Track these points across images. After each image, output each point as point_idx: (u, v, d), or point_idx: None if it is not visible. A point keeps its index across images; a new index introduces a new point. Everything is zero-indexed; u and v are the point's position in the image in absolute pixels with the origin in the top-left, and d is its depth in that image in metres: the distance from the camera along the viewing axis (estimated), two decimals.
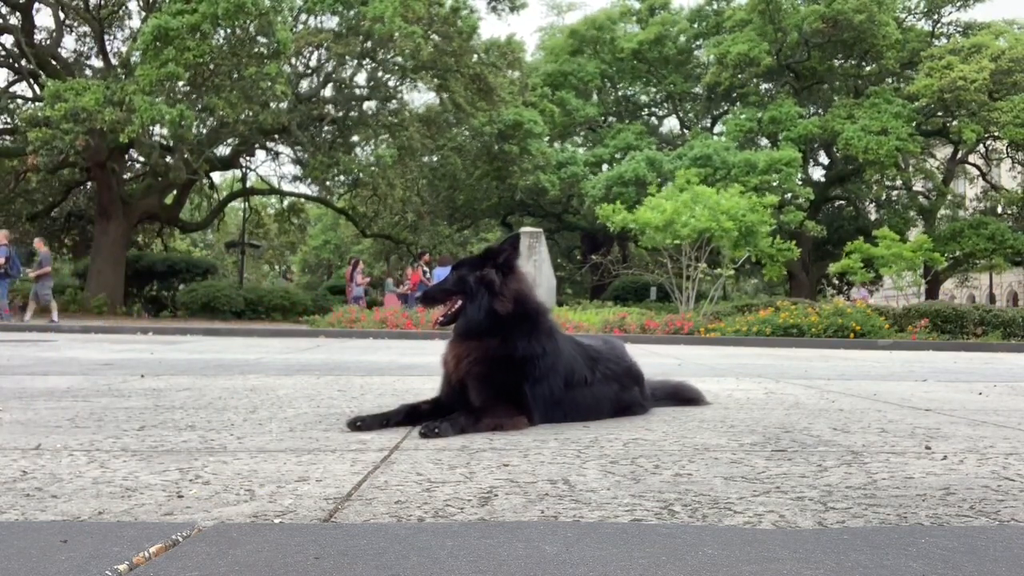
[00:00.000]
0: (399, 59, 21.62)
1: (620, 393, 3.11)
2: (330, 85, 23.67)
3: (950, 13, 31.11)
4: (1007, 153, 31.33)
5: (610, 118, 35.18)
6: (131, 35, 23.45)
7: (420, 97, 26.06)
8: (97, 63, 23.59)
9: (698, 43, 34.21)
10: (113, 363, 6.04)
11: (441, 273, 19.28)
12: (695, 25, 34.06)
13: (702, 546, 1.37)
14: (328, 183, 24.44)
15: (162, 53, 16.66)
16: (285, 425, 2.81)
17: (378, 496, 1.75)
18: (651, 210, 16.78)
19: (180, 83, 17.88)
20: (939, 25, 31.69)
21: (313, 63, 23.64)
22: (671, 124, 37.25)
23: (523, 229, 21.24)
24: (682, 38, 33.57)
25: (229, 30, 17.69)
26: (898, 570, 1.26)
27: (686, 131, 34.34)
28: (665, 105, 36.37)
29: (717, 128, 34.02)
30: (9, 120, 23.55)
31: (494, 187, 29.38)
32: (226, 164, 25.13)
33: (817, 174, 33.14)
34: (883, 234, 20.72)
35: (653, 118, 36.72)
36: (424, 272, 21.13)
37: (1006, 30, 28.83)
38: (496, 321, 2.78)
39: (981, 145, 30.54)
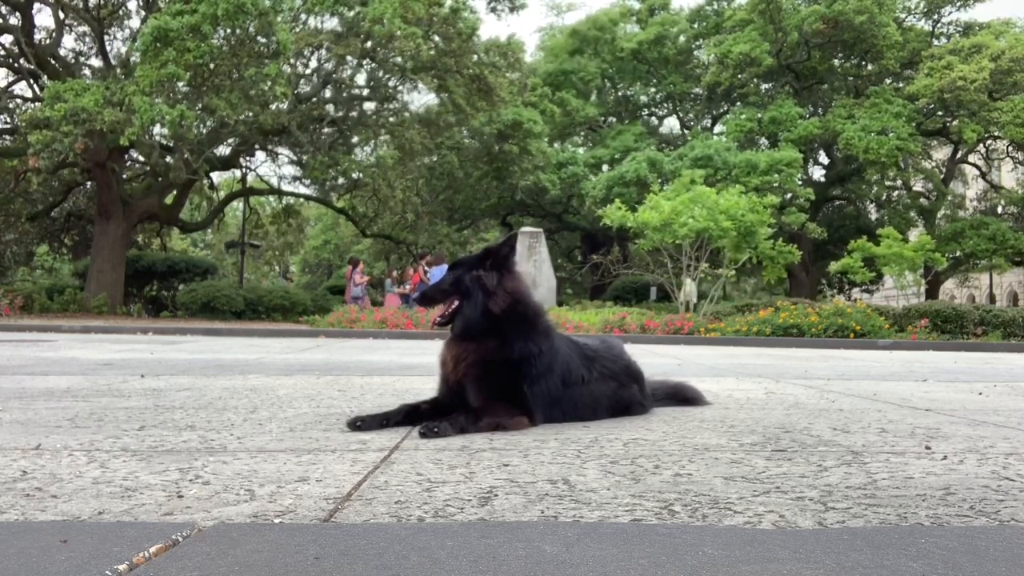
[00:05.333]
0: (399, 60, 21.62)
1: (618, 391, 3.11)
2: (330, 85, 23.67)
3: (950, 13, 31.13)
4: (1007, 153, 31.35)
5: (610, 118, 35.19)
6: (131, 35, 23.44)
7: (420, 98, 26.09)
8: (97, 63, 23.59)
9: (698, 43, 34.21)
10: (113, 363, 6.04)
11: (437, 273, 19.35)
12: (695, 25, 34.07)
13: (702, 546, 1.37)
14: (328, 183, 24.44)
15: (162, 54, 16.65)
16: (285, 425, 2.81)
17: (378, 496, 1.75)
18: (650, 210, 16.79)
19: (180, 84, 17.87)
20: (939, 25, 31.69)
21: (313, 64, 23.64)
22: (671, 124, 37.28)
23: (523, 229, 21.25)
24: (682, 38, 33.58)
25: (229, 30, 17.68)
26: (898, 570, 1.26)
27: (686, 131, 34.35)
28: (665, 105, 36.38)
29: (717, 128, 34.02)
30: (9, 120, 23.55)
31: (494, 187, 29.39)
32: (226, 164, 25.12)
33: (817, 174, 33.16)
34: (886, 233, 20.71)
35: (653, 118, 36.73)
36: (424, 272, 21.17)
37: (1006, 30, 28.83)
38: (492, 321, 2.78)
39: (981, 145, 30.55)
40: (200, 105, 18.82)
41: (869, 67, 31.21)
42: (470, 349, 2.80)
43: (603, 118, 34.75)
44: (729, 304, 18.51)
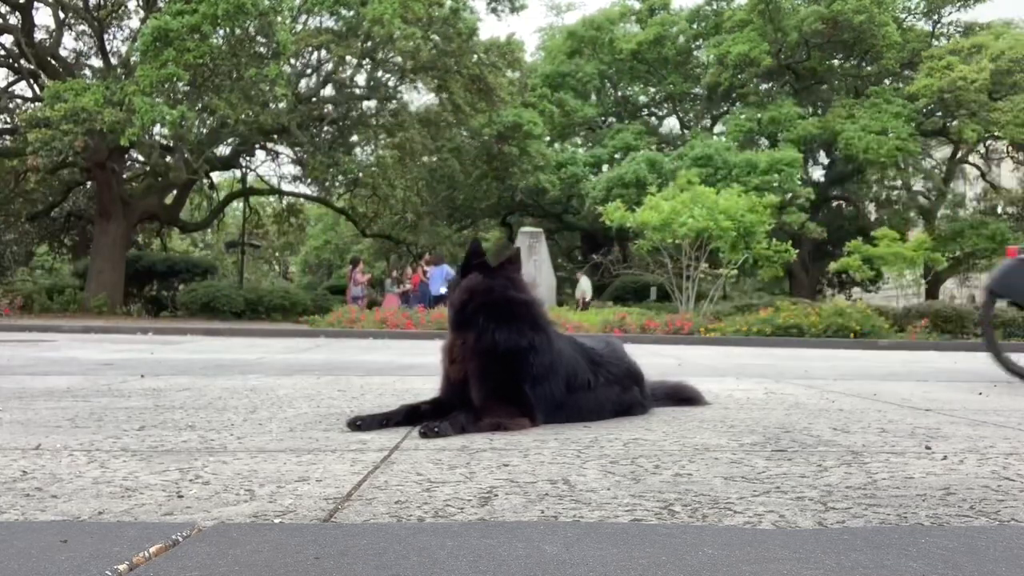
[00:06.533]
0: (398, 59, 21.62)
1: (621, 395, 3.11)
2: (330, 85, 23.67)
3: (950, 13, 31.13)
4: (1007, 153, 31.34)
5: (610, 118, 35.18)
6: (131, 35, 23.44)
7: (420, 98, 26.09)
8: (97, 63, 23.60)
9: (698, 43, 34.20)
10: (113, 363, 6.04)
11: (436, 273, 19.43)
12: (694, 25, 34.06)
13: (702, 546, 1.37)
14: (328, 183, 24.46)
15: (162, 54, 16.66)
16: (285, 425, 2.81)
17: (378, 496, 1.75)
18: (649, 210, 16.79)
19: (180, 84, 17.87)
20: (939, 25, 31.70)
21: (313, 63, 23.64)
22: (671, 124, 37.27)
23: (523, 229, 21.26)
24: (681, 38, 33.57)
25: (229, 30, 17.69)
26: (898, 570, 1.26)
27: (686, 131, 34.34)
28: (665, 105, 36.37)
29: (717, 128, 34.01)
30: (9, 120, 23.55)
31: (494, 187, 29.39)
32: (226, 164, 25.13)
33: (817, 174, 33.15)
34: (882, 234, 20.74)
35: (653, 118, 36.72)
36: (424, 273, 21.19)
37: (1006, 31, 28.83)
38: (460, 312, 2.81)
39: (981, 145, 30.55)
40: (200, 105, 18.83)
41: (869, 67, 31.20)
42: (459, 342, 2.81)
43: (603, 118, 34.73)
44: (729, 304, 18.52)
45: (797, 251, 19.28)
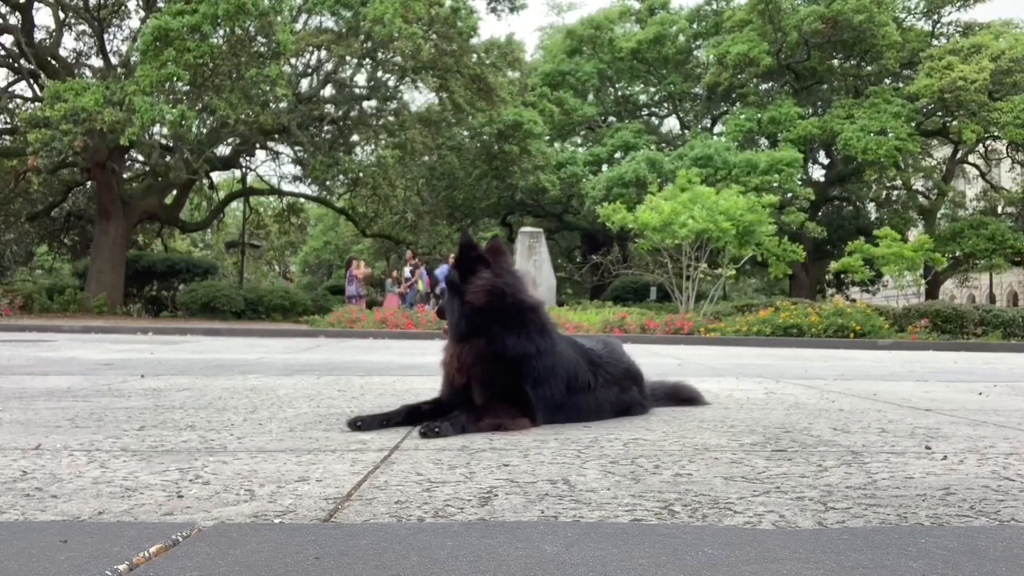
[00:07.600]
0: (399, 59, 21.61)
1: (620, 395, 3.11)
2: (330, 85, 23.67)
3: (950, 13, 31.11)
4: (1007, 153, 31.33)
5: (610, 118, 35.18)
6: (131, 35, 23.44)
7: (420, 97, 26.07)
8: (97, 63, 23.60)
9: (697, 43, 34.19)
10: (113, 363, 6.04)
11: (439, 272, 19.48)
12: (694, 25, 34.04)
13: (702, 546, 1.37)
14: (328, 183, 24.45)
15: (162, 54, 16.66)
16: (285, 425, 2.81)
17: (378, 496, 1.75)
18: (650, 210, 16.78)
19: (180, 84, 17.87)
20: (939, 25, 31.67)
21: (313, 63, 23.65)
22: (671, 124, 37.27)
23: (523, 229, 21.25)
24: (681, 38, 33.56)
25: (229, 30, 17.69)
26: (898, 570, 1.26)
27: (686, 131, 34.33)
28: (665, 105, 36.36)
29: (717, 128, 33.99)
30: (9, 120, 23.54)
31: (494, 187, 29.39)
32: (226, 164, 25.11)
33: (817, 174, 33.13)
34: (884, 233, 20.73)
35: (653, 118, 36.71)
36: (410, 271, 21.25)
37: (1006, 30, 28.80)
38: (473, 319, 2.77)
39: (981, 145, 30.54)
40: (200, 105, 18.82)
41: (868, 67, 31.18)
42: (464, 349, 2.80)
43: (603, 117, 34.72)
44: (729, 304, 18.51)
45: (803, 250, 19.29)
